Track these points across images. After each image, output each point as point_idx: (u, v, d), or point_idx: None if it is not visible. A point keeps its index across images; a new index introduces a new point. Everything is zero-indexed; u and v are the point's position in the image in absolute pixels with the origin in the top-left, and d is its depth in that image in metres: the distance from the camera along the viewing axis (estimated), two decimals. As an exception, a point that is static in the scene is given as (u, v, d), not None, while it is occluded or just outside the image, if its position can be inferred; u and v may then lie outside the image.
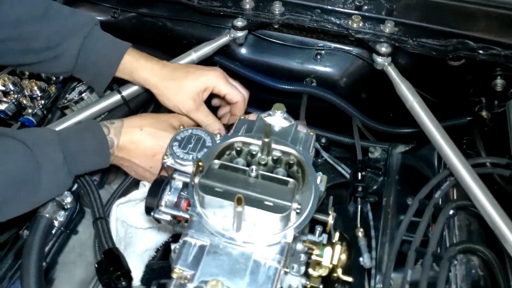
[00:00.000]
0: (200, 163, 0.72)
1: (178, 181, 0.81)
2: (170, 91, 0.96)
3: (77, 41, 0.93)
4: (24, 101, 1.05)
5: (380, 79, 1.15)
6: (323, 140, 1.17)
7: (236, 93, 1.01)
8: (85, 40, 0.94)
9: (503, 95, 1.11)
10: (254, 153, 0.81)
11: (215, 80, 0.98)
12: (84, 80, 1.03)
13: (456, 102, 1.21)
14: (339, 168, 1.11)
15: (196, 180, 0.72)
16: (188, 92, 0.95)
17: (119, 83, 1.03)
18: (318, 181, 0.77)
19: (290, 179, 0.74)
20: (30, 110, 1.05)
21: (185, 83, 0.96)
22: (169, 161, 0.83)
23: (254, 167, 0.74)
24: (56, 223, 0.87)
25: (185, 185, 0.82)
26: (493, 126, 1.12)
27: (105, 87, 1.00)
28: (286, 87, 1.17)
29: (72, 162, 0.82)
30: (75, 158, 0.82)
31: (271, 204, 0.69)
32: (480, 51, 0.99)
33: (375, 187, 1.11)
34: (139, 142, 0.87)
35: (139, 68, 0.97)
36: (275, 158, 0.80)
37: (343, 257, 0.75)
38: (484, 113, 1.14)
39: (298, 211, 0.69)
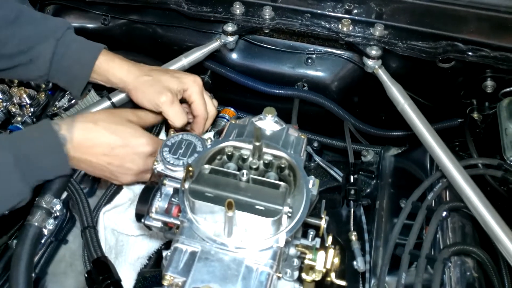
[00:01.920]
0: (190, 168, 0.71)
1: (169, 187, 0.80)
2: (145, 85, 0.93)
3: (50, 44, 0.92)
4: (13, 109, 1.04)
5: (371, 83, 1.15)
6: (316, 144, 1.16)
7: (202, 108, 0.98)
8: (58, 43, 0.92)
9: (493, 97, 1.11)
10: (245, 157, 0.80)
11: (192, 84, 0.96)
12: (60, 84, 1.00)
13: (447, 104, 1.21)
14: (332, 172, 1.10)
15: (186, 185, 0.71)
16: (165, 86, 0.92)
17: (106, 89, 1.02)
18: (310, 185, 0.76)
19: (281, 183, 0.73)
20: (19, 118, 1.03)
21: (162, 78, 0.94)
22: (160, 167, 0.83)
23: (245, 171, 0.73)
24: (45, 232, 0.85)
25: (176, 191, 0.81)
26: (485, 127, 1.12)
27: (81, 90, 0.98)
28: (277, 91, 1.17)
29: (25, 166, 0.76)
30: (28, 160, 0.77)
31: (262, 208, 0.68)
32: (470, 53, 1.00)
33: (368, 190, 1.11)
34: (94, 138, 0.83)
35: (115, 68, 0.95)
36: (266, 162, 0.80)
37: (336, 261, 0.74)
38: (475, 115, 1.15)
39: (289, 214, 0.68)
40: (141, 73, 0.95)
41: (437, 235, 0.89)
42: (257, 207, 0.69)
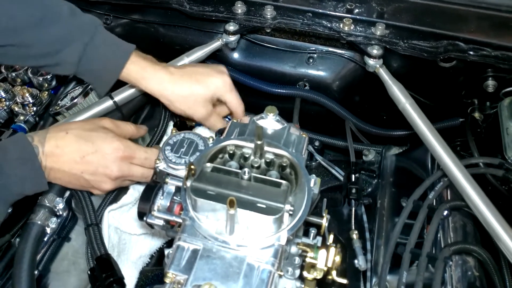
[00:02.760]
0: (192, 167, 0.72)
1: (171, 186, 0.81)
2: (181, 102, 0.97)
3: (78, 48, 0.89)
4: (16, 108, 1.05)
5: (372, 82, 1.15)
6: (317, 143, 1.17)
7: (237, 103, 1.04)
8: (86, 48, 0.90)
9: (495, 96, 1.11)
10: (247, 156, 0.81)
11: (223, 87, 1.00)
12: (87, 81, 1.01)
13: (448, 104, 1.21)
14: (333, 171, 1.11)
15: (188, 183, 0.71)
16: (199, 102, 0.97)
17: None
18: (311, 184, 0.77)
19: (283, 181, 0.73)
20: (22, 117, 1.04)
21: (196, 92, 0.97)
22: (162, 166, 0.83)
23: (246, 169, 0.74)
24: (48, 230, 0.86)
25: (178, 189, 0.81)
26: (486, 127, 1.12)
27: (106, 91, 0.98)
28: (279, 90, 1.18)
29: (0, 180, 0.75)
30: (2, 172, 0.75)
31: (263, 206, 0.69)
32: (471, 52, 1.00)
33: (369, 189, 1.11)
34: (65, 146, 0.81)
35: (147, 78, 0.95)
36: (268, 160, 0.80)
37: (338, 259, 0.74)
38: (476, 114, 1.15)
39: (291, 213, 0.69)
40: (174, 85, 0.96)
41: (438, 234, 0.89)
42: (258, 205, 0.69)
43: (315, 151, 1.14)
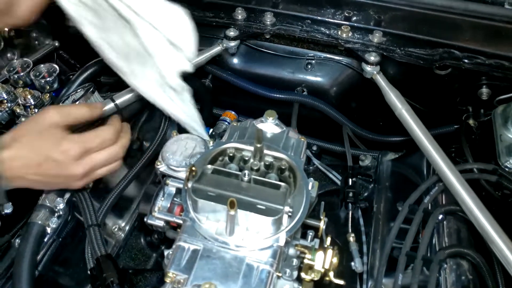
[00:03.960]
0: (193, 168, 0.73)
1: (171, 187, 0.82)
2: None
3: None
4: (18, 110, 1.05)
5: (369, 88, 1.18)
6: (314, 148, 1.18)
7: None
8: None
9: (488, 104, 1.13)
10: (246, 158, 0.82)
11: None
12: None
13: (443, 111, 1.23)
14: (330, 175, 1.12)
15: (190, 184, 0.73)
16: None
17: (110, 91, 1.04)
18: (309, 187, 0.78)
19: (282, 183, 0.75)
20: (23, 119, 1.05)
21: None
22: (162, 167, 0.84)
23: (246, 171, 0.75)
24: (48, 230, 0.86)
25: (179, 191, 0.83)
26: (480, 133, 1.15)
27: None
28: (277, 95, 1.19)
29: None
30: None
31: (263, 207, 0.70)
32: (466, 60, 1.02)
33: (365, 194, 1.13)
34: (21, 158, 0.76)
35: None
36: (267, 163, 0.82)
37: (335, 260, 0.76)
38: (471, 121, 1.17)
39: (290, 214, 0.70)
40: None
41: (433, 238, 0.91)
42: (258, 206, 0.70)
43: (313, 156, 1.16)
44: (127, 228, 1.03)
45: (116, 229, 1.02)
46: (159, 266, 1.04)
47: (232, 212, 0.67)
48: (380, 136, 1.27)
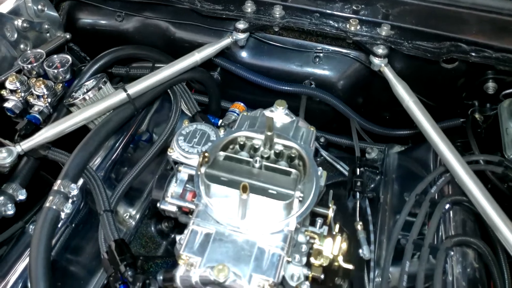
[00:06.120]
0: (206, 154, 0.75)
1: (184, 174, 0.84)
2: None
3: None
4: (31, 99, 1.07)
5: (376, 82, 1.19)
6: (322, 140, 1.20)
7: None
8: None
9: (495, 98, 1.14)
10: (257, 147, 0.84)
11: None
12: None
13: (450, 105, 1.25)
14: (338, 166, 1.14)
15: (202, 170, 0.74)
16: None
17: (122, 81, 1.05)
18: (318, 173, 0.80)
19: (293, 170, 0.76)
20: (36, 108, 1.07)
21: None
22: (175, 155, 0.86)
23: (258, 158, 0.77)
24: (62, 215, 0.88)
25: (191, 177, 0.84)
26: (486, 127, 1.16)
27: None
28: (286, 88, 1.21)
29: None
30: None
31: (274, 192, 0.72)
32: (473, 54, 1.03)
33: (372, 185, 1.14)
34: None
35: None
36: (277, 151, 0.83)
37: (344, 246, 0.77)
38: (477, 115, 1.18)
39: (300, 199, 0.72)
40: None
41: (440, 229, 0.92)
42: (270, 191, 0.72)
43: (321, 147, 1.17)
44: (137, 216, 1.05)
45: (127, 217, 1.04)
46: (169, 254, 1.06)
47: (244, 196, 0.68)
48: (386, 130, 1.28)
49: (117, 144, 1.07)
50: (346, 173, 1.12)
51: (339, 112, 1.25)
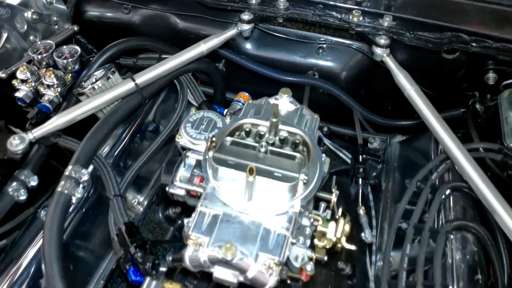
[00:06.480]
0: (213, 139, 0.77)
1: (191, 159, 0.86)
2: None
3: None
4: (41, 89, 1.10)
5: (378, 72, 1.21)
6: (325, 129, 1.22)
7: None
8: None
9: (495, 89, 1.16)
10: (262, 133, 0.86)
11: None
12: None
13: (451, 96, 1.27)
14: (341, 154, 1.16)
15: (210, 154, 0.77)
16: None
17: (130, 71, 1.08)
18: (322, 159, 0.82)
19: (297, 154, 0.79)
20: (46, 98, 1.10)
21: None
22: (183, 141, 0.89)
23: (263, 143, 0.79)
24: (74, 200, 0.91)
25: (198, 163, 0.87)
26: (486, 117, 1.18)
27: None
28: (289, 78, 1.23)
29: None
30: None
31: (280, 175, 0.74)
32: (473, 44, 1.05)
33: (374, 174, 1.17)
34: None
35: None
36: (282, 138, 0.86)
37: (347, 228, 0.80)
38: (477, 106, 1.20)
39: (305, 181, 0.74)
40: None
41: (440, 214, 0.94)
42: (275, 174, 0.75)
43: (324, 136, 1.20)
44: (145, 202, 1.08)
45: (135, 203, 1.06)
46: (176, 239, 1.08)
47: (251, 179, 0.71)
48: (388, 120, 1.30)
49: (125, 133, 1.10)
50: (349, 161, 1.14)
51: (341, 103, 1.27)
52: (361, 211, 0.96)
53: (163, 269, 0.78)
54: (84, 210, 0.97)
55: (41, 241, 0.89)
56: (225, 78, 1.33)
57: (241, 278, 0.71)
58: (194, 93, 1.16)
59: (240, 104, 1.19)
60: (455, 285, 0.81)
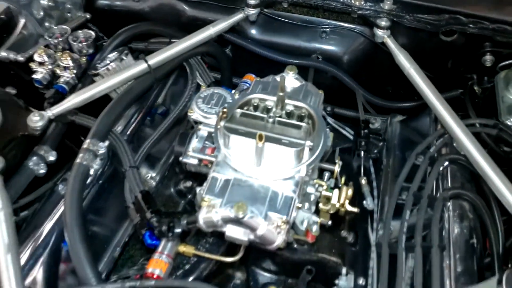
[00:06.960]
0: (225, 110, 0.83)
1: (203, 131, 0.92)
2: None
3: None
4: (58, 71, 1.15)
5: (379, 55, 1.26)
6: (329, 108, 1.27)
7: None
8: None
9: (492, 71, 1.21)
10: (269, 107, 0.92)
11: None
12: None
13: (449, 79, 1.31)
14: (344, 132, 1.21)
15: (222, 123, 0.82)
16: None
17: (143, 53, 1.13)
18: (326, 131, 0.87)
19: (303, 124, 0.84)
20: (63, 79, 1.15)
21: None
22: (194, 115, 0.94)
23: (271, 114, 0.84)
24: (91, 171, 0.96)
25: (210, 135, 0.92)
26: (483, 98, 1.23)
27: None
28: (294, 61, 1.27)
29: None
30: None
31: (287, 141, 0.80)
32: (470, 25, 1.10)
33: (375, 151, 1.22)
34: None
35: None
36: (288, 111, 0.91)
37: (350, 192, 0.85)
38: (475, 88, 1.25)
39: (310, 147, 0.80)
40: None
41: (438, 184, 0.99)
42: (283, 140, 0.80)
43: (327, 115, 1.25)
44: (158, 177, 1.13)
45: (148, 178, 1.12)
46: (187, 212, 1.13)
47: (260, 145, 0.76)
48: (389, 102, 1.35)
49: (136, 113, 1.15)
50: (352, 138, 1.19)
51: (343, 86, 1.32)
52: (363, 181, 1.01)
53: (178, 230, 0.83)
54: (100, 182, 1.02)
55: (59, 212, 0.95)
56: (231, 63, 1.38)
57: (252, 236, 0.76)
58: (203, 75, 1.21)
59: (247, 85, 1.24)
60: (451, 247, 0.86)
